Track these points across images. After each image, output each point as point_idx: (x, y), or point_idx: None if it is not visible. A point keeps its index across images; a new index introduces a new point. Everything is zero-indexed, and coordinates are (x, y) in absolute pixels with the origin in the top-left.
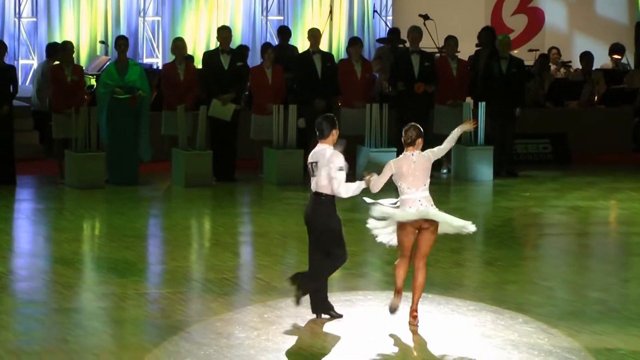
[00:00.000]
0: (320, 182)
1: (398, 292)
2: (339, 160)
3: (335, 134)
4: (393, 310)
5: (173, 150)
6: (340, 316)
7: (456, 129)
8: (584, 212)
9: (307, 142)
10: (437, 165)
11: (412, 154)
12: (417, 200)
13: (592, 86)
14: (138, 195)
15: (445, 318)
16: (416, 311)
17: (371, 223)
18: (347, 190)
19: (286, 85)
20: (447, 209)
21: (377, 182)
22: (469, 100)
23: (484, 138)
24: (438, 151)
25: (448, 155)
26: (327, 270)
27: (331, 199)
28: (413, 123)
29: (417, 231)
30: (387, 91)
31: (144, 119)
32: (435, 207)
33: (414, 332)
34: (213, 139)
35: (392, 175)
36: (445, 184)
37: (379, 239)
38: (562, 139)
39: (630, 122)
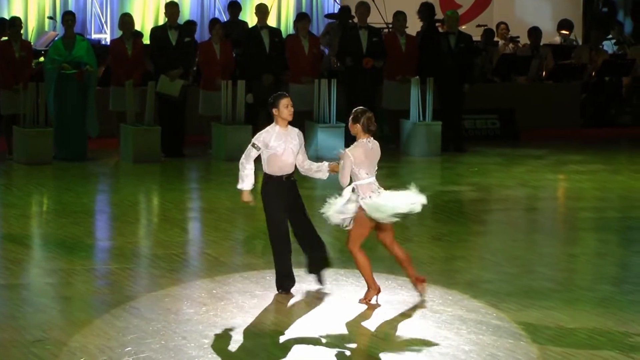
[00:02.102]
0: None
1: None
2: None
3: (274, 112)
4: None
5: (121, 126)
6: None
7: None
8: (532, 187)
9: (255, 117)
10: (386, 140)
11: (369, 141)
12: (372, 184)
13: (540, 61)
14: (86, 171)
15: (393, 294)
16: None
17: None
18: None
19: (235, 61)
20: (395, 185)
21: (344, 176)
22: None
23: (432, 113)
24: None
25: (397, 130)
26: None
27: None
28: (369, 111)
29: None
30: (336, 66)
31: (91, 94)
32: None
33: (363, 308)
34: (161, 114)
35: None
36: (394, 159)
37: (334, 221)
38: (510, 114)
39: (577, 97)
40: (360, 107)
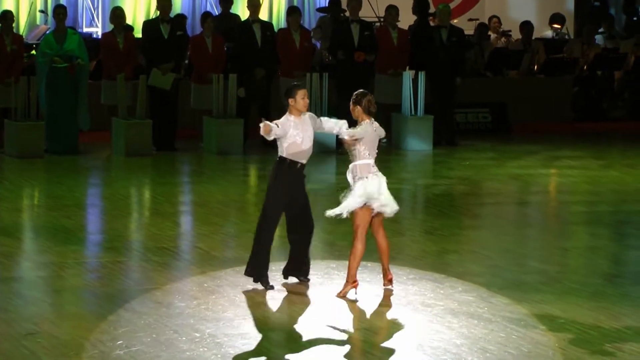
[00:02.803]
0: None
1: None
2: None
3: (291, 102)
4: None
5: (113, 120)
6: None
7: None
8: (523, 181)
9: (247, 111)
10: None
11: (372, 122)
12: (371, 165)
13: (532, 55)
14: (78, 165)
15: (384, 286)
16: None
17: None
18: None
19: (226, 55)
20: (388, 179)
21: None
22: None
23: (424, 107)
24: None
25: (388, 123)
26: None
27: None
28: (369, 94)
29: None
30: (327, 60)
31: (83, 88)
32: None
33: (353, 302)
34: (153, 108)
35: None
36: (385, 153)
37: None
38: (502, 108)
39: (569, 91)
40: (360, 89)
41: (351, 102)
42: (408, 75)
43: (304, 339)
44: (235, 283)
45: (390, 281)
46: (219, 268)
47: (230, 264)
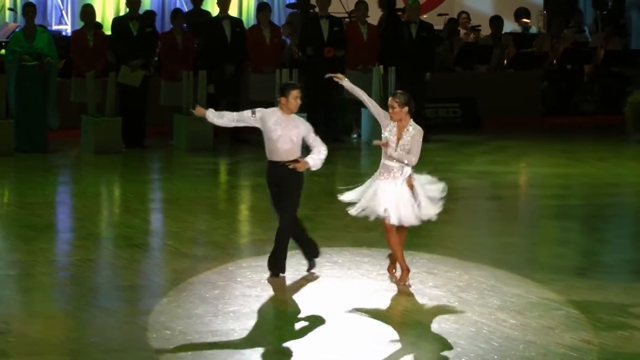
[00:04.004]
0: None
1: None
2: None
3: (284, 100)
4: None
5: (82, 117)
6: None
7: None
8: (494, 175)
9: (216, 107)
10: (347, 130)
11: (411, 127)
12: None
13: (501, 50)
14: (47, 163)
15: (355, 283)
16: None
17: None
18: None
19: (196, 51)
20: (357, 173)
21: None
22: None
23: None
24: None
25: (358, 120)
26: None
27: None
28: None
29: None
30: (297, 56)
31: (52, 85)
32: None
33: (321, 294)
34: (122, 105)
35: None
36: (356, 149)
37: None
38: (472, 103)
39: (539, 85)
40: (399, 90)
41: (400, 102)
42: (378, 70)
43: (276, 335)
44: (206, 280)
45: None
46: (189, 265)
47: (200, 261)
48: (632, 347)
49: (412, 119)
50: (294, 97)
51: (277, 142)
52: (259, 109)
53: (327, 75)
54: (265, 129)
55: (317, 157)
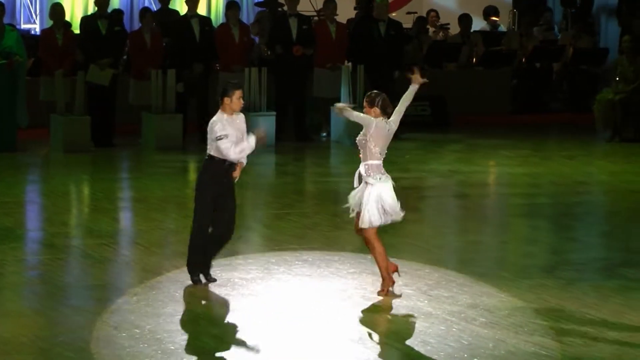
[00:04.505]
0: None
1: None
2: (218, 127)
3: (227, 100)
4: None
5: (51, 116)
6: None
7: (410, 89)
8: (463, 174)
9: (185, 106)
10: (316, 129)
11: (387, 122)
12: (381, 166)
13: (470, 48)
14: (16, 162)
15: (325, 281)
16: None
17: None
18: (234, 154)
19: (165, 50)
20: (327, 172)
21: (353, 117)
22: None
23: (362, 101)
24: (395, 122)
25: (327, 118)
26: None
27: (207, 161)
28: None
29: None
30: (266, 55)
31: (21, 84)
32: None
33: (292, 296)
34: (91, 104)
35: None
36: (325, 147)
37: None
38: (441, 101)
39: (508, 83)
40: (374, 90)
41: (366, 104)
42: (346, 69)
43: (245, 333)
44: (175, 278)
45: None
46: (158, 264)
47: (170, 260)
48: (601, 346)
49: (385, 117)
50: (237, 97)
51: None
52: (217, 131)
53: None
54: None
55: (243, 152)
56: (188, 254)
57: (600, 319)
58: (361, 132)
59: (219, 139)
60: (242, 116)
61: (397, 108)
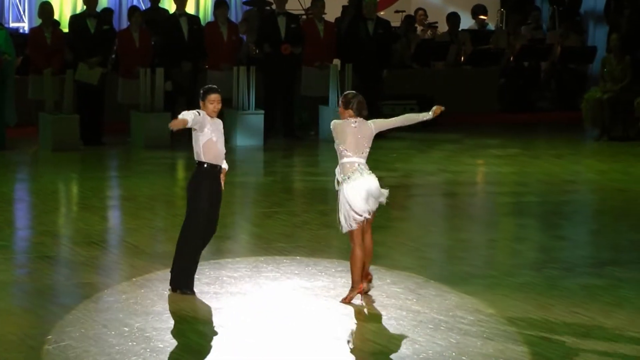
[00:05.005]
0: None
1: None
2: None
3: (201, 105)
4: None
5: (40, 115)
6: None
7: (425, 114)
8: (451, 172)
9: (174, 105)
10: (305, 127)
11: (355, 121)
12: (355, 163)
13: (458, 47)
14: (5, 160)
15: (313, 279)
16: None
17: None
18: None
19: (153, 49)
20: (315, 171)
21: None
22: (336, 61)
23: None
24: (387, 124)
25: (315, 117)
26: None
27: (199, 166)
28: (360, 96)
29: None
30: (254, 53)
31: (10, 83)
32: (370, 171)
33: (280, 297)
34: (80, 102)
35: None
36: (313, 146)
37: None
38: (429, 100)
39: (496, 82)
40: (351, 91)
41: (341, 105)
42: (335, 67)
43: (232, 332)
44: (164, 277)
45: (369, 280)
46: (147, 262)
47: (159, 258)
48: (590, 344)
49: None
50: (211, 102)
51: (217, 144)
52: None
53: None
54: (205, 132)
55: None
56: (179, 260)
57: (589, 317)
58: None
59: (197, 112)
60: (220, 122)
61: (395, 118)
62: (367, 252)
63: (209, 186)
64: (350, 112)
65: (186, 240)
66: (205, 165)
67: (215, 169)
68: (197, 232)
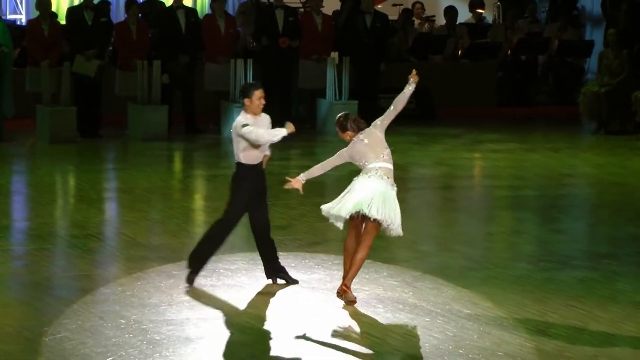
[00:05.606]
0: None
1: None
2: (241, 119)
3: (247, 101)
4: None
5: (37, 107)
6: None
7: (407, 87)
8: (448, 166)
9: (171, 97)
10: (302, 120)
11: (360, 137)
12: (374, 169)
13: (455, 40)
14: (2, 152)
15: (310, 272)
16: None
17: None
18: (267, 135)
19: (150, 41)
20: (312, 163)
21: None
22: (334, 54)
23: (348, 93)
24: (386, 117)
25: (313, 110)
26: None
27: (238, 167)
28: (350, 113)
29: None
30: (252, 46)
31: (7, 75)
32: (390, 179)
33: (280, 289)
34: (77, 94)
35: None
36: (310, 138)
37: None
38: (427, 93)
39: (493, 76)
40: (341, 113)
41: (338, 130)
42: (332, 60)
43: (228, 324)
44: (161, 269)
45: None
46: (144, 254)
47: (155, 251)
48: (586, 337)
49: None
50: (258, 98)
51: (256, 148)
52: (243, 121)
53: None
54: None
55: (272, 135)
56: (201, 244)
57: (586, 311)
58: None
59: (244, 125)
60: (267, 117)
61: (389, 109)
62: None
63: (248, 187)
64: (350, 133)
65: (215, 233)
66: (243, 167)
67: (253, 169)
68: (227, 230)
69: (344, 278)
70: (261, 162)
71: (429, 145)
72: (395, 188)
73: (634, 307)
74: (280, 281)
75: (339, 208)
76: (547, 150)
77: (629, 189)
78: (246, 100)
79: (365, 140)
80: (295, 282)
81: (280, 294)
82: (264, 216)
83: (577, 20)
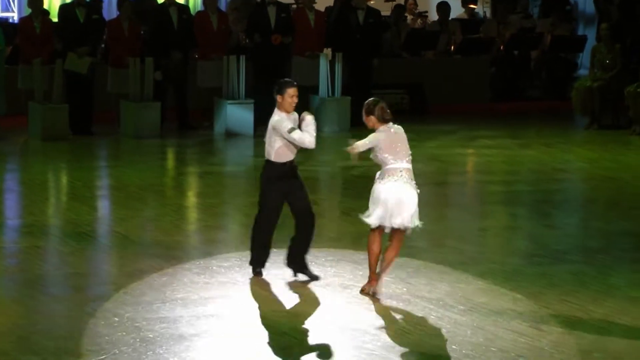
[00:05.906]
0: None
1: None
2: (285, 124)
3: (280, 99)
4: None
5: (29, 104)
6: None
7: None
8: (441, 161)
9: (163, 94)
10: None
11: (390, 127)
12: (398, 170)
13: (448, 36)
14: None
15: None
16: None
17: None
18: (309, 136)
19: (143, 38)
20: (306, 161)
21: (364, 146)
22: (327, 51)
23: (341, 89)
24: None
25: (306, 106)
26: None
27: (268, 165)
28: (381, 101)
29: None
30: (244, 43)
31: None
32: (413, 181)
33: (273, 284)
34: (69, 92)
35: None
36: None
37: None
38: (419, 89)
39: (486, 71)
40: (372, 98)
41: (364, 113)
42: (325, 56)
43: (223, 320)
44: (154, 266)
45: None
46: (137, 252)
47: (148, 248)
48: (579, 332)
49: (385, 124)
50: (290, 96)
51: (289, 146)
52: (285, 124)
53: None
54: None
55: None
56: (252, 250)
57: (579, 306)
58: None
59: (292, 130)
60: (295, 115)
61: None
62: (385, 261)
63: (278, 186)
64: (373, 119)
65: (258, 230)
66: (273, 165)
67: (282, 166)
68: (266, 224)
69: (371, 277)
70: (292, 160)
71: (422, 141)
72: (418, 190)
73: (627, 301)
74: (301, 277)
75: (369, 217)
76: (540, 146)
77: (622, 184)
78: (278, 97)
79: (394, 131)
80: (316, 278)
81: (274, 290)
82: (306, 205)
83: (569, 15)
